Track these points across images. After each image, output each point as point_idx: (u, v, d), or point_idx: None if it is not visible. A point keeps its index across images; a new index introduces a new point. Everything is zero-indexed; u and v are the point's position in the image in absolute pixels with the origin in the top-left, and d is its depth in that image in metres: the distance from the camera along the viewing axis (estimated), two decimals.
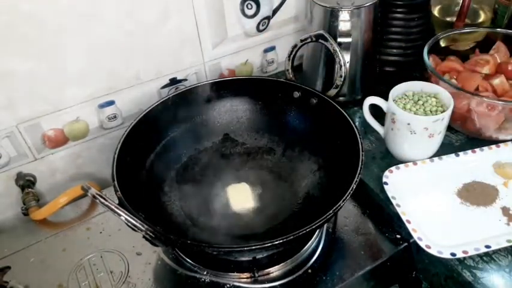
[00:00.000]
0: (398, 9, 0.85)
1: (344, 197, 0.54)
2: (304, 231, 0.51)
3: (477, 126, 0.72)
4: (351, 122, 0.64)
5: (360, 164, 0.58)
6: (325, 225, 0.67)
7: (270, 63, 0.96)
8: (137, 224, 0.52)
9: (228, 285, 0.60)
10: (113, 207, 0.51)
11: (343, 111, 0.67)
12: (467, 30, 0.86)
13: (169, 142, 0.73)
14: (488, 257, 0.59)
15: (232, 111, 0.79)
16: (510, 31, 0.82)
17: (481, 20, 0.97)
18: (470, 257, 0.58)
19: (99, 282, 0.62)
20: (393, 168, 0.70)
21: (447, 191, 0.67)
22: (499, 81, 0.74)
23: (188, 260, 0.63)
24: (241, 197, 0.68)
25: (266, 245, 0.51)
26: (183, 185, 0.71)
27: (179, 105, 0.73)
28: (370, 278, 0.63)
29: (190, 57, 0.83)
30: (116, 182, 0.57)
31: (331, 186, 0.64)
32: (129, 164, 0.63)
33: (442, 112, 0.67)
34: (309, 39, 0.77)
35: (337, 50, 0.75)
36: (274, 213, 0.66)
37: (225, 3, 0.80)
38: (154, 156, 0.70)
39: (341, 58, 0.75)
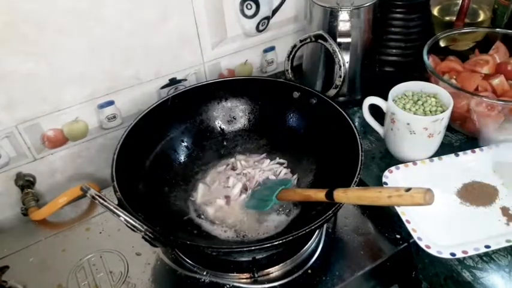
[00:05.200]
0: (398, 9, 0.85)
1: None
2: (304, 232, 0.51)
3: (477, 126, 0.72)
4: (351, 122, 0.64)
5: (360, 164, 0.58)
6: (325, 226, 0.67)
7: (270, 63, 0.96)
8: (136, 225, 0.52)
9: (227, 286, 0.60)
10: (112, 207, 0.51)
11: (342, 111, 0.66)
12: (466, 30, 0.86)
13: (168, 142, 0.73)
14: (488, 257, 0.59)
15: (232, 112, 0.78)
16: (509, 31, 0.82)
17: (480, 19, 0.97)
18: (470, 257, 0.58)
19: (98, 283, 0.62)
20: (393, 168, 0.70)
21: (447, 191, 0.67)
22: (498, 81, 0.74)
23: (188, 261, 0.63)
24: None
25: (265, 245, 0.51)
26: (182, 186, 0.71)
27: (178, 105, 0.73)
28: (370, 278, 0.63)
29: (189, 58, 0.83)
30: (115, 183, 0.57)
31: (331, 186, 0.64)
32: (129, 164, 0.63)
33: (441, 112, 0.67)
34: (308, 40, 0.77)
35: (337, 50, 0.75)
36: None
37: (225, 4, 0.80)
38: (153, 156, 0.70)
39: (340, 58, 0.75)
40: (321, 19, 0.78)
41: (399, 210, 0.63)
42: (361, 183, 0.70)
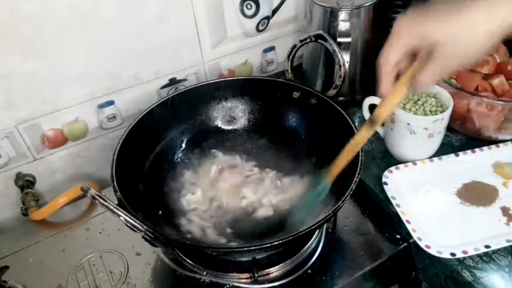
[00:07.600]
0: (398, 9, 0.85)
1: (343, 197, 0.54)
2: (304, 232, 0.51)
3: (477, 126, 0.72)
4: (351, 122, 0.64)
5: (360, 164, 0.58)
6: (325, 226, 0.67)
7: (270, 63, 0.96)
8: (136, 225, 0.52)
9: (227, 286, 0.60)
10: (112, 207, 0.51)
11: (342, 112, 0.66)
12: None
13: (168, 142, 0.73)
14: (488, 257, 0.59)
15: (232, 112, 0.78)
16: None
17: None
18: (470, 257, 0.58)
19: (98, 283, 0.62)
20: (393, 168, 0.70)
21: (447, 191, 0.67)
22: (498, 81, 0.74)
23: (188, 261, 0.63)
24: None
25: (265, 245, 0.51)
26: (181, 186, 0.71)
27: (179, 105, 0.73)
28: (370, 278, 0.63)
29: (189, 57, 0.83)
30: (115, 183, 0.57)
31: (331, 186, 0.64)
32: (129, 164, 0.63)
33: (441, 112, 0.67)
34: (308, 40, 0.77)
35: (337, 50, 0.75)
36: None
37: (225, 3, 0.80)
38: (153, 156, 0.70)
39: (340, 58, 0.75)
40: (321, 19, 0.78)
41: (399, 210, 0.63)
42: (361, 183, 0.70)
